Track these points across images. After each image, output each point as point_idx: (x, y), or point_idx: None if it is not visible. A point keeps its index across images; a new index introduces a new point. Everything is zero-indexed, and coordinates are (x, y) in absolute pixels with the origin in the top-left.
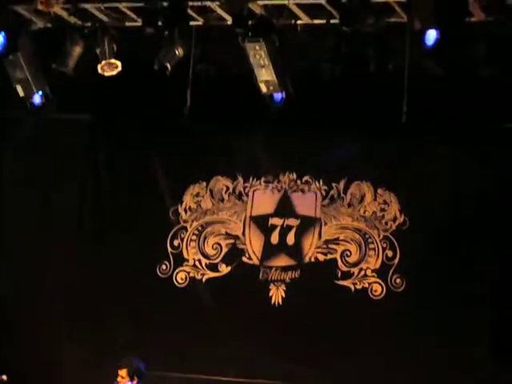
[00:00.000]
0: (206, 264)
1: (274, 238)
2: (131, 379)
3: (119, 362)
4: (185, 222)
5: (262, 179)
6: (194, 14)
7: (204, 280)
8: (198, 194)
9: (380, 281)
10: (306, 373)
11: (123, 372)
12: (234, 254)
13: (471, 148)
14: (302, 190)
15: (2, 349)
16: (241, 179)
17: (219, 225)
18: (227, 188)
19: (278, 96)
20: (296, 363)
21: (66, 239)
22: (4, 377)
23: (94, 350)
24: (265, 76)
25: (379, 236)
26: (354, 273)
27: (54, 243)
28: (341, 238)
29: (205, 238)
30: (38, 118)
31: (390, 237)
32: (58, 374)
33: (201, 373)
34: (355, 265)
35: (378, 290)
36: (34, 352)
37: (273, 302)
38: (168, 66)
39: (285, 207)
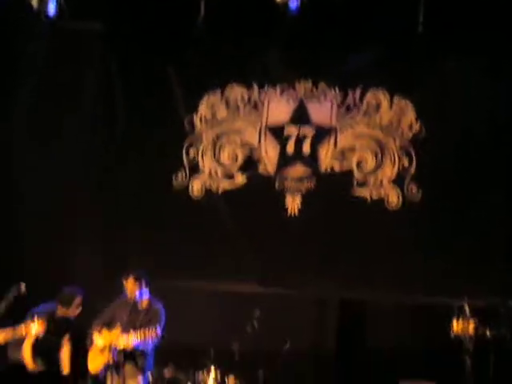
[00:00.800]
0: (221, 174)
1: (290, 148)
2: (138, 286)
3: (125, 275)
4: (200, 131)
5: (278, 87)
6: None
7: (220, 191)
8: (213, 103)
9: (396, 190)
10: (321, 282)
11: (130, 280)
12: (250, 164)
13: (484, 60)
14: (318, 99)
15: (15, 259)
16: (256, 87)
17: (235, 134)
18: (242, 97)
19: (293, 4)
20: (312, 273)
21: (80, 149)
22: (23, 286)
23: (105, 260)
24: None
25: (395, 144)
26: (369, 182)
27: (67, 157)
28: (357, 147)
29: (220, 148)
30: (51, 28)
31: (407, 145)
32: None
33: (218, 284)
34: (371, 174)
35: (394, 199)
36: (45, 262)
37: (289, 212)
38: None
39: (300, 116)
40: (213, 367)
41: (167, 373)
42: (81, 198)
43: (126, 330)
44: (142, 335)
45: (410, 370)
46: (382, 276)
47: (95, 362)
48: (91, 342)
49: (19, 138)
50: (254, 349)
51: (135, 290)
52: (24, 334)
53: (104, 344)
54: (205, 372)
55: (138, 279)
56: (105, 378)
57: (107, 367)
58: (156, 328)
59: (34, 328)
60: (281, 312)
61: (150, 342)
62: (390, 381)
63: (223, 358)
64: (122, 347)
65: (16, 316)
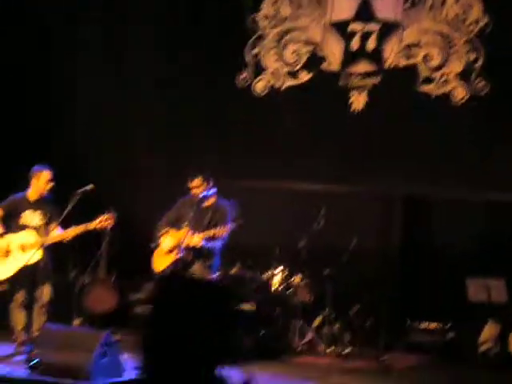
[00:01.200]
0: (285, 72)
1: (355, 44)
2: (204, 186)
3: (190, 174)
4: (264, 29)
5: None
6: None
7: (283, 88)
8: (276, 1)
9: (462, 85)
10: (387, 179)
11: (197, 180)
12: (314, 61)
13: None
14: None
15: (88, 163)
16: None
17: (299, 31)
18: None
19: None
20: (377, 169)
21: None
22: (90, 187)
23: (170, 158)
24: None
25: (462, 39)
26: (435, 77)
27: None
28: (422, 42)
29: (284, 46)
30: None
31: (473, 39)
32: (135, 183)
33: (282, 182)
34: (437, 69)
35: (459, 94)
36: (114, 163)
37: (353, 108)
38: None
39: (365, 11)
40: (279, 266)
41: (234, 271)
42: (145, 97)
43: (193, 229)
44: (210, 234)
45: (478, 266)
46: (447, 172)
47: (161, 263)
48: (157, 243)
49: None
50: (321, 247)
51: (201, 190)
52: (95, 228)
53: (172, 244)
54: (271, 270)
55: (203, 178)
56: None
57: (175, 266)
58: (224, 227)
59: (104, 222)
60: (347, 209)
61: (218, 241)
62: (457, 278)
63: (290, 257)
64: (189, 246)
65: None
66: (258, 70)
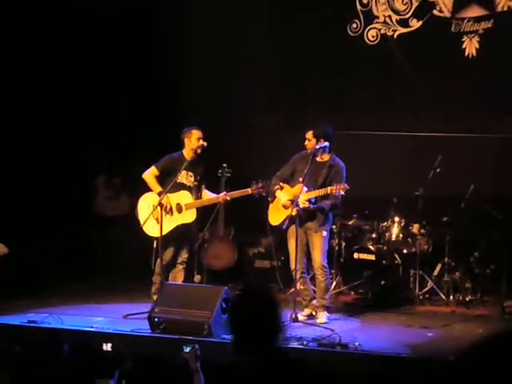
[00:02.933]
0: (396, 20)
1: None
2: (317, 140)
3: (306, 128)
4: None
5: None
6: None
7: (395, 36)
8: None
9: None
10: (504, 123)
11: (309, 134)
12: (425, 8)
13: None
14: None
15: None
16: None
17: None
18: None
19: None
20: (493, 114)
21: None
22: (204, 143)
23: (284, 111)
24: None
25: None
26: None
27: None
28: None
29: None
30: None
31: None
32: (251, 138)
33: (398, 130)
34: None
35: None
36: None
37: (466, 53)
38: None
39: None
40: (397, 215)
41: (352, 222)
42: (257, 51)
43: (307, 185)
44: (328, 190)
45: None
46: None
47: (277, 216)
48: (273, 197)
49: None
50: (438, 194)
51: (313, 143)
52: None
53: (287, 199)
54: (389, 221)
55: (318, 133)
56: (287, 230)
57: (291, 220)
58: (342, 184)
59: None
60: (464, 156)
61: (327, 203)
62: None
63: (407, 206)
64: (305, 202)
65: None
66: (369, 18)
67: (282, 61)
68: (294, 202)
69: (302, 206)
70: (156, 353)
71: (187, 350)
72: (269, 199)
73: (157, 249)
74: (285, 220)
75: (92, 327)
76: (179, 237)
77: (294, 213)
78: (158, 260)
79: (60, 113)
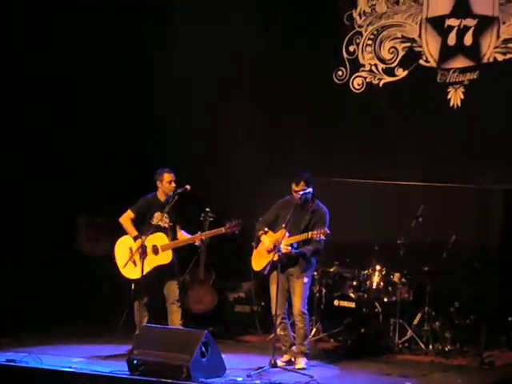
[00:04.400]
0: (382, 68)
1: (451, 40)
2: (305, 186)
3: (293, 179)
4: (360, 26)
5: None
6: None
7: (381, 85)
8: None
9: None
10: (486, 174)
11: (302, 184)
12: (411, 58)
13: None
14: None
15: (181, 158)
16: None
17: (395, 28)
18: None
19: None
20: (476, 165)
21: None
22: (188, 187)
23: (271, 159)
24: None
25: None
26: None
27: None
28: None
29: (381, 43)
30: None
31: None
32: (234, 182)
33: (380, 179)
34: None
35: None
36: (210, 158)
37: (451, 104)
38: None
39: (461, 7)
40: (378, 263)
41: (333, 270)
42: (238, 96)
43: (290, 230)
44: (309, 235)
45: None
46: None
47: (259, 262)
48: (257, 243)
49: None
50: (420, 243)
51: (300, 191)
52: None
53: (270, 244)
54: (370, 269)
55: (303, 181)
56: (269, 275)
57: (272, 266)
58: (323, 229)
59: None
60: (445, 206)
61: (309, 248)
62: None
63: (389, 254)
64: (287, 247)
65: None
66: (355, 67)
67: (266, 103)
68: (276, 247)
69: (283, 250)
70: None
71: None
72: (253, 244)
73: (135, 292)
74: (267, 265)
75: (70, 367)
76: (160, 278)
77: (275, 258)
78: (136, 303)
79: (41, 146)
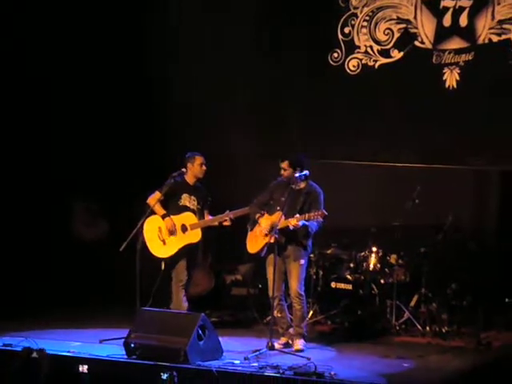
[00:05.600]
0: (378, 50)
1: (447, 21)
2: (294, 170)
3: (282, 157)
4: (355, 8)
5: None
6: None
7: (376, 66)
8: None
9: None
10: (483, 155)
11: (285, 164)
12: (406, 39)
13: None
14: None
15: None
16: None
17: (390, 9)
18: None
19: None
20: (472, 146)
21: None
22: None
23: (267, 143)
24: None
25: None
26: None
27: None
28: None
29: (376, 24)
30: None
31: None
32: (232, 165)
33: (373, 160)
34: None
35: None
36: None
37: (447, 85)
38: None
39: None
40: (375, 245)
41: (330, 251)
42: (235, 73)
43: (285, 213)
44: (304, 218)
45: None
46: None
47: (255, 244)
48: (252, 224)
49: None
50: (416, 225)
51: (289, 172)
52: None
53: (266, 227)
54: (367, 251)
55: (294, 163)
56: (266, 257)
57: (269, 248)
58: (317, 211)
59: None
60: (442, 186)
61: (315, 224)
62: None
63: (385, 236)
64: (283, 228)
65: None
66: (351, 49)
67: (260, 87)
68: (272, 229)
69: (292, 224)
70: (132, 378)
71: (164, 376)
72: (248, 227)
73: (165, 270)
74: (263, 248)
75: (68, 352)
76: (187, 257)
77: (272, 240)
78: (173, 282)
79: (36, 137)
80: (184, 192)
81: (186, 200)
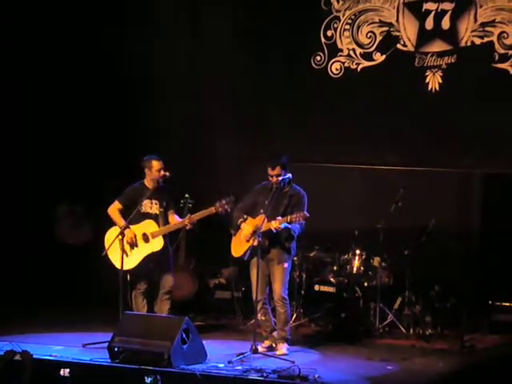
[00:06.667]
0: (360, 53)
1: (429, 24)
2: (282, 171)
3: (269, 163)
4: (337, 11)
5: None
6: None
7: (359, 69)
8: None
9: None
10: (464, 158)
11: (278, 169)
12: (389, 42)
13: None
14: None
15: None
16: None
17: (372, 13)
18: None
19: None
20: (455, 148)
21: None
22: (167, 173)
23: (249, 145)
24: None
25: None
26: (511, 55)
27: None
28: (497, 20)
29: (358, 27)
30: None
31: None
32: (212, 165)
33: (358, 163)
34: None
35: None
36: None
37: (430, 88)
38: None
39: None
40: (358, 248)
41: (313, 254)
42: (220, 74)
43: (269, 216)
44: (287, 220)
45: None
46: None
47: (239, 248)
48: (236, 229)
49: None
50: (400, 227)
51: (277, 178)
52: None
53: (249, 230)
54: (350, 253)
55: (278, 166)
56: (249, 261)
57: (252, 251)
58: (300, 213)
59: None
60: (425, 189)
61: (297, 226)
62: None
63: (368, 239)
64: (266, 231)
65: None
66: (333, 52)
67: (242, 88)
68: (255, 232)
69: (274, 226)
70: (116, 382)
71: (148, 380)
72: (231, 232)
73: (131, 282)
74: (247, 251)
75: (51, 356)
76: (154, 266)
77: (255, 244)
78: (134, 293)
79: (24, 135)
80: (144, 198)
81: (147, 206)
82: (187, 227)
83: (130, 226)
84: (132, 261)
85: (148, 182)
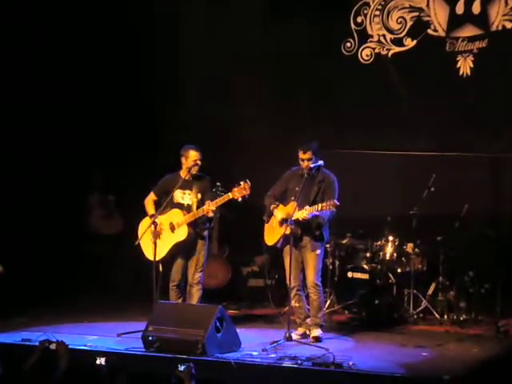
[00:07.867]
0: (390, 39)
1: (460, 8)
2: (312, 157)
3: (300, 146)
4: None
5: None
6: None
7: (390, 55)
8: None
9: None
10: (497, 142)
11: (309, 153)
12: (420, 27)
13: None
14: None
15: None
16: None
17: None
18: None
19: None
20: (486, 133)
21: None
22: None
23: (281, 132)
24: None
25: None
26: None
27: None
28: None
29: (388, 13)
30: None
31: None
32: (243, 155)
33: (391, 149)
34: None
35: None
36: (219, 133)
37: (461, 73)
38: None
39: None
40: (391, 234)
41: (346, 241)
42: (248, 69)
43: (300, 202)
44: (318, 208)
45: None
46: None
47: (272, 236)
48: (269, 216)
49: None
50: (433, 213)
51: (308, 162)
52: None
53: (281, 218)
54: (383, 240)
55: (310, 150)
56: (282, 248)
57: (285, 239)
58: (331, 200)
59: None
60: (457, 175)
61: (328, 213)
62: None
63: (401, 225)
64: (298, 220)
65: None
66: (363, 38)
67: (276, 76)
68: (287, 220)
69: (301, 217)
70: (150, 371)
71: (182, 368)
72: (264, 219)
73: (163, 271)
74: (279, 239)
75: (86, 346)
76: (182, 255)
77: (287, 231)
78: (170, 284)
79: (52, 128)
80: (176, 188)
81: (179, 196)
82: (208, 214)
83: (158, 216)
84: (160, 251)
85: (183, 173)
